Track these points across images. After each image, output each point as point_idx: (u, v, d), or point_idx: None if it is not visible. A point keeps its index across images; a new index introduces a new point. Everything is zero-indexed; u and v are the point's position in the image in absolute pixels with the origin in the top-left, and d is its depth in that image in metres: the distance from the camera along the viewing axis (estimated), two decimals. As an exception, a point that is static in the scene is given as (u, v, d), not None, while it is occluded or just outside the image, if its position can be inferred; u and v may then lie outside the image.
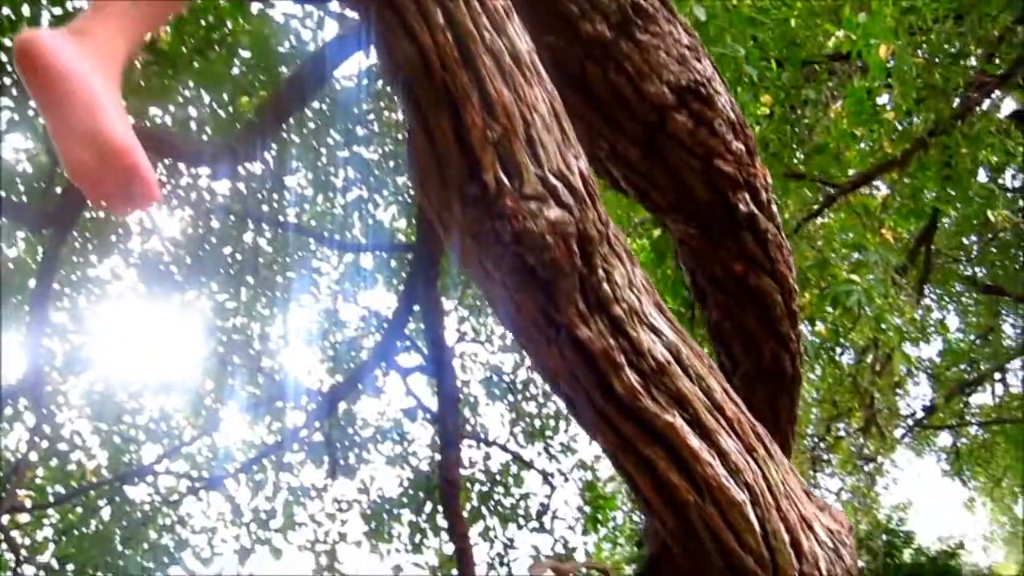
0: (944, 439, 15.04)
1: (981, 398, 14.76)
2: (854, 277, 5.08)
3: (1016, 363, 14.47)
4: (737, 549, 1.18)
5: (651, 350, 1.19)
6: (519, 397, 7.98)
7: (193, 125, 6.23)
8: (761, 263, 1.74)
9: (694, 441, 1.19)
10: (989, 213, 6.62)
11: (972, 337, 13.93)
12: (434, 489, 7.21)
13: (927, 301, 13.64)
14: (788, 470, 1.35)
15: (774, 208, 1.75)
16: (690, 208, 1.60)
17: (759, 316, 1.86)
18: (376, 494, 7.85)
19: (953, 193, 6.62)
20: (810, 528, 1.27)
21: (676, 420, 1.19)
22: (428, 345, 6.71)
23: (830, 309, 5.32)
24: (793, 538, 1.23)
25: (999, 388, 14.74)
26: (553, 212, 1.08)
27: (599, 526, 7.66)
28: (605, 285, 1.16)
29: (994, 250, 12.65)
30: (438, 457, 6.70)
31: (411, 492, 7.66)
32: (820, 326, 6.00)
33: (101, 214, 6.84)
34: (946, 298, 13.33)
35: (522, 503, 7.65)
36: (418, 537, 7.44)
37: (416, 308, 6.74)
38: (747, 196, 1.61)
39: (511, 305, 1.17)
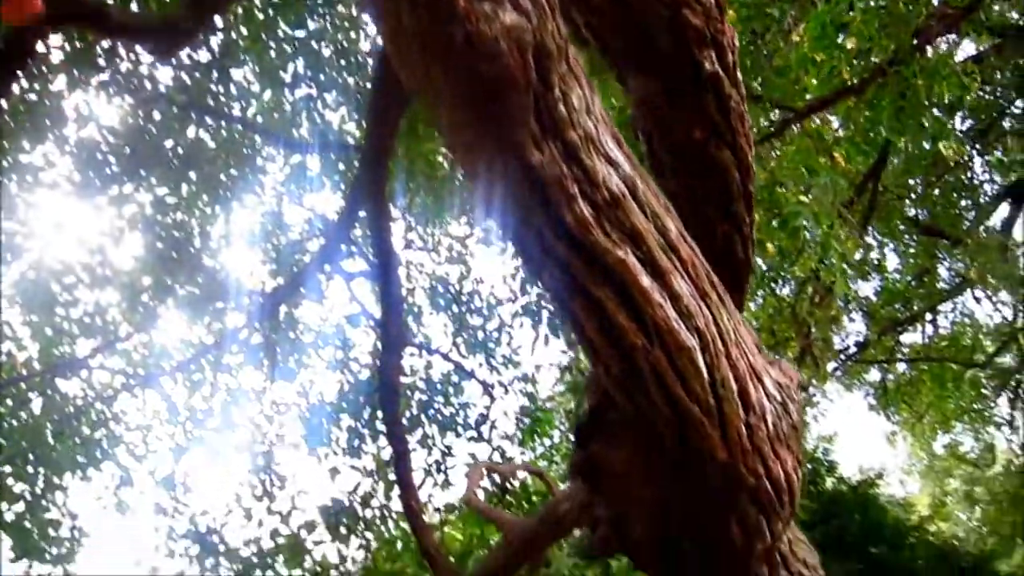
0: (873, 375, 15.46)
1: (911, 337, 15.17)
2: (804, 199, 5.11)
3: (947, 305, 14.88)
4: (683, 396, 1.14)
5: (606, 181, 1.12)
6: (463, 308, 7.95)
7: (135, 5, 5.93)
8: (722, 132, 1.68)
9: (645, 280, 1.14)
10: (941, 145, 6.67)
11: (908, 278, 14.24)
12: (374, 395, 7.20)
13: (869, 240, 13.88)
14: (740, 321, 1.31)
15: (739, 75, 1.68)
16: (653, 62, 1.53)
17: (715, 192, 1.82)
18: (315, 398, 7.81)
19: (906, 124, 6.65)
20: (759, 380, 1.23)
21: (628, 257, 1.13)
22: (374, 251, 6.60)
23: (776, 226, 5.36)
24: (741, 388, 1.19)
25: (929, 329, 15.17)
26: (509, 16, 1.00)
27: (536, 439, 7.74)
28: (561, 107, 1.08)
29: (937, 193, 12.87)
30: (379, 363, 6.66)
31: (351, 397, 7.63)
32: (769, 247, 6.04)
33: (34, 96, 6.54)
34: (887, 239, 13.57)
35: (461, 413, 7.68)
36: (356, 442, 7.43)
37: (362, 213, 6.60)
38: (713, 55, 1.54)
39: (460, 128, 1.10)
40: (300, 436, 7.68)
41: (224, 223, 7.78)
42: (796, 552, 1.37)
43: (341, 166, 7.50)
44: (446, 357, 7.69)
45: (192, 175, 7.35)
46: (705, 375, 1.16)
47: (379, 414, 7.34)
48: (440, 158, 7.13)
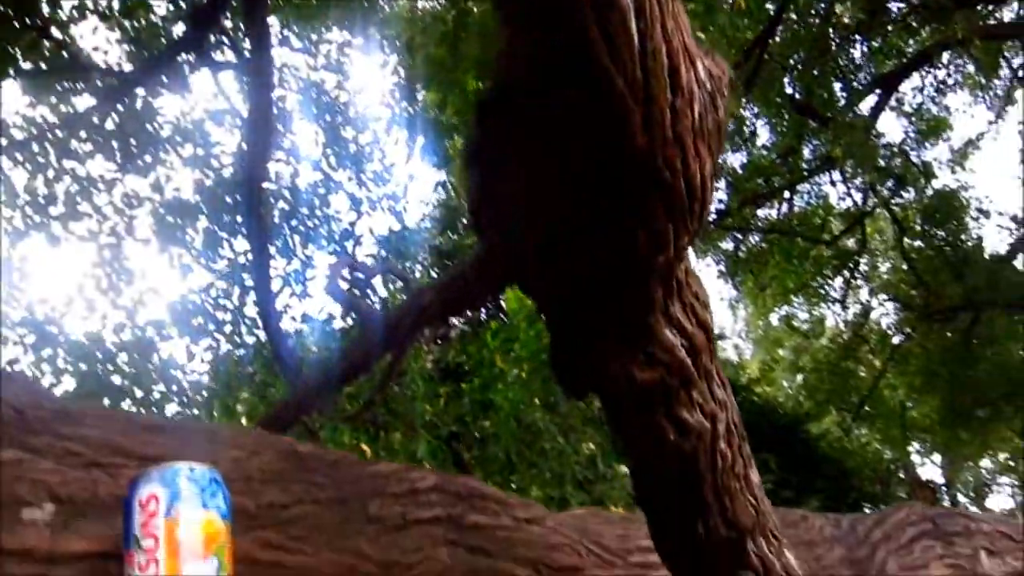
0: (727, 244, 16.05)
1: (768, 212, 15.81)
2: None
3: (805, 186, 15.50)
4: (610, 66, 1.03)
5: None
6: (338, 119, 7.62)
7: None
8: None
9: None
10: (837, 7, 6.69)
11: (775, 155, 14.66)
12: (235, 196, 6.89)
13: (744, 112, 14.14)
14: None
15: None
16: None
17: None
18: (172, 195, 7.40)
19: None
20: (692, 62, 1.14)
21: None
22: (247, 44, 6.14)
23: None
24: (672, 65, 1.08)
25: (785, 207, 15.82)
26: None
27: (401, 260, 7.67)
28: None
29: (816, 73, 13.12)
30: (243, 165, 6.34)
31: (209, 197, 7.27)
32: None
33: None
34: (764, 112, 13.83)
35: (325, 226, 7.49)
36: (212, 243, 7.15)
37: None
38: None
39: None
40: (152, 232, 7.30)
41: (79, -9, 7.03)
42: (691, 283, 1.35)
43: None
44: (315, 167, 7.41)
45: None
46: (636, 43, 1.03)
47: (239, 217, 7.06)
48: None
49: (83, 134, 7.43)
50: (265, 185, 6.85)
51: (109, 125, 7.36)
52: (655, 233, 1.14)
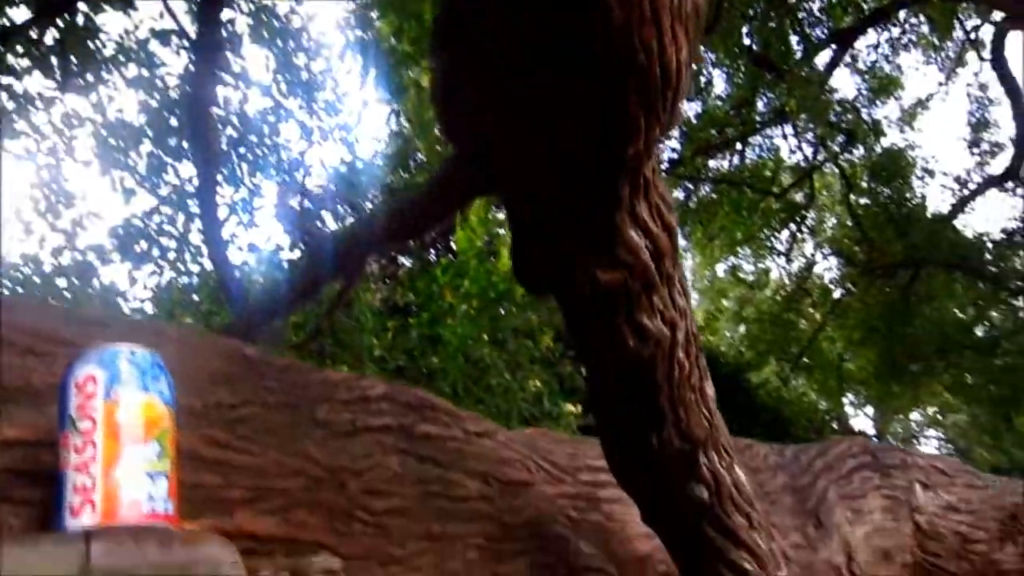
0: (679, 194, 16.12)
1: (719, 162, 15.91)
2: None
3: (757, 138, 15.60)
4: None
5: None
6: (290, 45, 7.38)
7: None
8: None
9: None
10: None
11: (729, 106, 14.70)
12: (181, 121, 6.67)
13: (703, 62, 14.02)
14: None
15: None
16: None
17: None
18: (115, 116, 7.13)
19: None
20: None
21: None
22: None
23: None
24: None
25: (737, 159, 15.92)
26: None
27: (353, 190, 7.53)
28: None
29: (773, 25, 13.12)
30: (190, 87, 6.12)
31: (155, 121, 7.02)
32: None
33: None
34: (721, 61, 13.82)
35: (274, 155, 7.30)
36: (157, 167, 6.93)
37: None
38: None
39: None
40: (93, 153, 7.04)
41: None
42: (658, 184, 1.32)
43: None
44: (265, 92, 7.19)
45: None
46: None
47: (185, 143, 6.86)
48: None
49: (20, 48, 7.10)
50: (213, 110, 6.65)
51: (48, 41, 7.04)
52: (626, 120, 1.10)
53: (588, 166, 1.19)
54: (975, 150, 16.94)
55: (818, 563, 2.59)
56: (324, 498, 1.54)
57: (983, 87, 15.99)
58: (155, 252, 6.79)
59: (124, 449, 1.06)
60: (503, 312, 6.78)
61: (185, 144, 6.78)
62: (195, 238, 7.05)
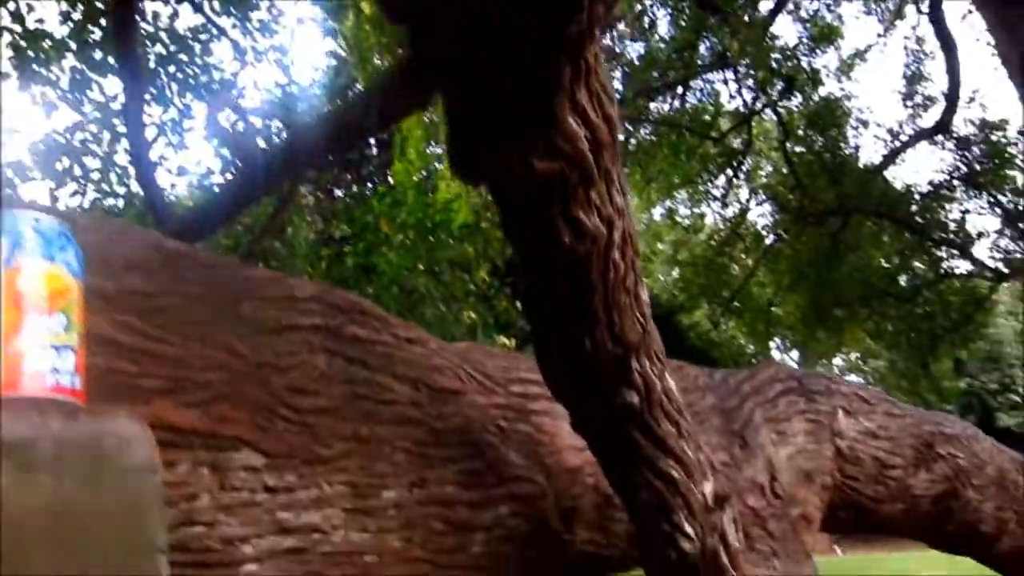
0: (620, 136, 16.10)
1: (659, 105, 15.93)
2: None
3: (698, 82, 15.63)
4: None
5: None
6: (223, -41, 7.07)
7: None
8: None
9: None
10: None
11: (672, 49, 14.68)
12: (106, 34, 6.36)
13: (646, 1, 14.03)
14: None
15: None
16: None
17: None
18: (34, 26, 6.76)
19: None
20: None
21: None
22: None
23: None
24: None
25: (677, 102, 15.96)
26: None
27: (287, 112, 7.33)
28: None
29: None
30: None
31: (78, 33, 6.69)
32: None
33: None
34: (665, 3, 13.78)
35: (206, 75, 7.04)
36: (80, 81, 6.62)
37: None
38: None
39: None
40: (11, 65, 6.68)
41: None
42: (599, 71, 1.27)
43: None
44: (196, 8, 6.89)
45: None
46: None
47: (110, 58, 6.56)
48: None
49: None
50: (141, 25, 6.36)
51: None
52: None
53: (527, 44, 1.14)
54: (909, 103, 17.24)
55: (742, 481, 2.64)
56: (247, 394, 1.49)
57: (920, 40, 16.22)
58: (78, 171, 6.52)
59: (26, 319, 1.00)
60: (439, 243, 6.73)
61: (111, 59, 6.48)
62: (121, 159, 6.80)
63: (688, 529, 1.87)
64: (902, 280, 17.88)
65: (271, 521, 1.52)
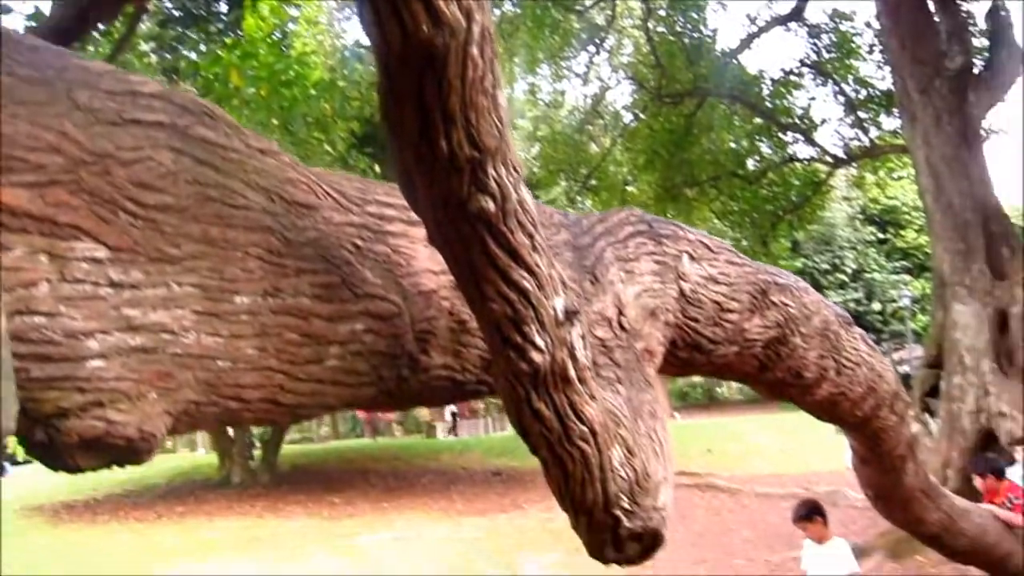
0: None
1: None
2: None
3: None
4: None
5: None
6: None
7: None
8: None
9: None
10: None
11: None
12: None
13: None
14: None
15: None
16: None
17: None
18: None
19: None
20: None
21: None
22: None
23: None
24: None
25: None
26: None
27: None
28: None
29: None
30: None
31: None
32: None
33: None
34: None
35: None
36: None
37: None
38: None
39: None
40: None
41: None
42: None
43: None
44: None
45: None
46: None
47: None
48: None
49: None
50: None
51: None
52: None
53: None
54: (766, -13, 17.58)
55: (592, 314, 2.76)
56: (86, 182, 1.42)
57: (779, -75, 16.47)
58: None
59: None
60: (294, 100, 6.48)
61: None
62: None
63: (538, 341, 1.95)
64: (750, 163, 18.70)
65: (118, 317, 1.48)
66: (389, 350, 2.12)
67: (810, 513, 6.04)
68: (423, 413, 38.55)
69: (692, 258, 3.34)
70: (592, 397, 2.27)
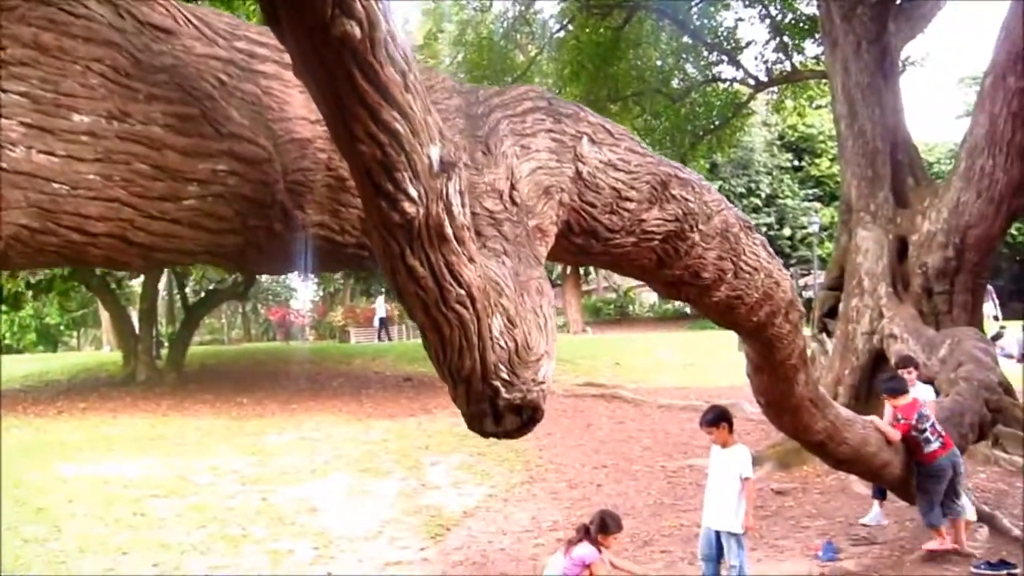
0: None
1: None
2: None
3: None
4: None
5: None
6: None
7: None
8: None
9: None
10: None
11: None
12: None
13: None
14: None
15: None
16: None
17: None
18: None
19: None
20: None
21: None
22: None
23: None
24: None
25: None
26: None
27: None
28: None
29: None
30: None
31: None
32: None
33: None
34: None
35: None
36: None
37: None
38: None
39: None
40: None
41: None
42: None
43: None
44: None
45: None
46: None
47: None
48: None
49: None
50: None
51: None
52: None
53: None
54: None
55: (482, 185, 2.68)
56: None
57: None
58: None
59: None
60: None
61: None
62: None
63: (411, 190, 1.86)
64: (674, 82, 18.66)
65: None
66: (257, 196, 2.01)
67: (716, 419, 6.27)
68: (336, 318, 38.30)
69: (592, 141, 3.27)
70: (471, 260, 2.21)
